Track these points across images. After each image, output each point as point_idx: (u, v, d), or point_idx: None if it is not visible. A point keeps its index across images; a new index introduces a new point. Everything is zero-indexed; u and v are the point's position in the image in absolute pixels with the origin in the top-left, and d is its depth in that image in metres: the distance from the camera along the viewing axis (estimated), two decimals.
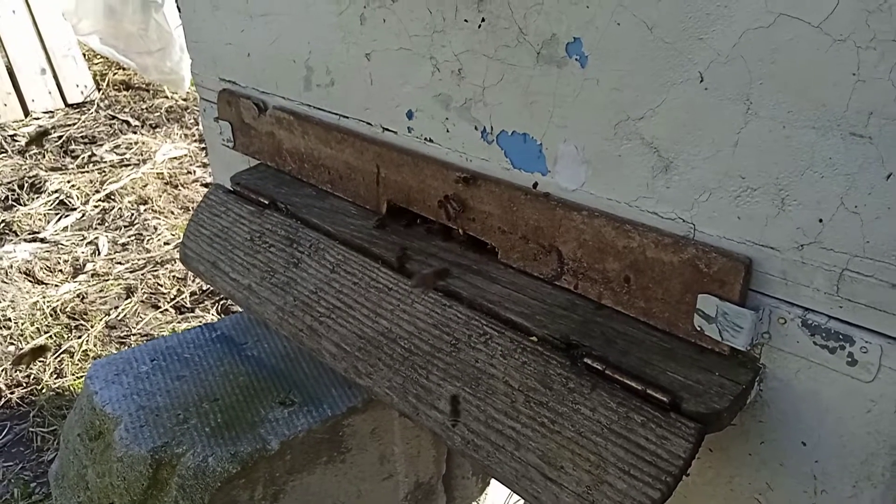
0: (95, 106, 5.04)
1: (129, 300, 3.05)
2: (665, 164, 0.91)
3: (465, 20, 1.08)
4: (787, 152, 0.80)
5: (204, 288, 3.12)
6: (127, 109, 5.04)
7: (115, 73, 5.49)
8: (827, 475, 0.89)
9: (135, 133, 4.64)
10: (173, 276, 3.20)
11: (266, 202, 1.46)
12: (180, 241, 1.54)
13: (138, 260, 3.33)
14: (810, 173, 0.79)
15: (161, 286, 3.14)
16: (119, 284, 3.14)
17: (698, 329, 0.91)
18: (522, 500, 1.97)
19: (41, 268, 3.23)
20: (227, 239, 1.44)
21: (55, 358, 2.73)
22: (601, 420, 0.89)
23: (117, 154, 4.34)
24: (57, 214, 3.70)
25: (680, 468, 0.82)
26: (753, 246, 0.86)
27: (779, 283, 0.85)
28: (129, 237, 3.51)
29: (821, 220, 0.80)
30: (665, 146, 0.91)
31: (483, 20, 1.06)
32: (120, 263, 3.30)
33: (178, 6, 1.71)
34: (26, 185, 3.93)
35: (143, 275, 3.21)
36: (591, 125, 0.98)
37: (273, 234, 1.38)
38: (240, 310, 1.94)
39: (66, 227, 3.59)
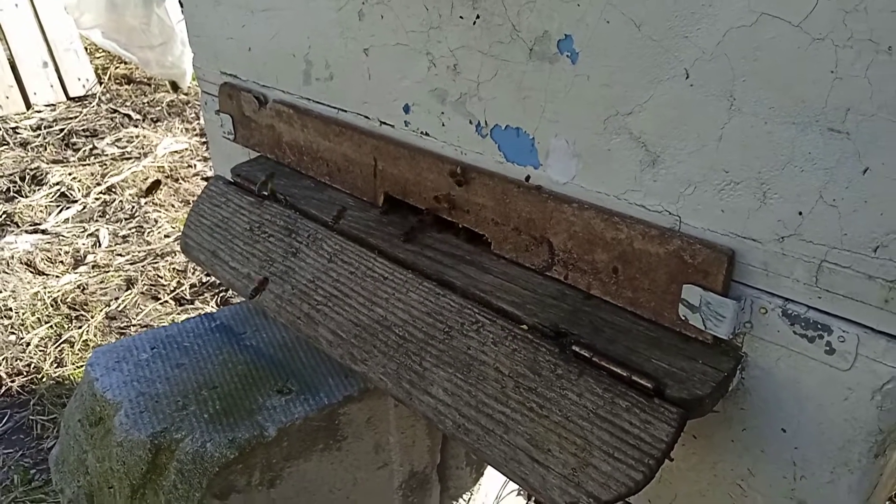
0: (97, 99, 5.06)
1: (129, 291, 3.07)
2: (652, 158, 0.94)
3: (461, 17, 1.10)
4: (768, 147, 0.83)
5: (203, 280, 3.14)
6: (128, 103, 5.06)
7: (116, 67, 5.51)
8: (806, 461, 0.92)
9: (136, 127, 4.66)
10: (173, 269, 3.22)
11: (266, 193, 1.49)
12: (181, 232, 1.57)
13: (139, 252, 3.35)
14: (791, 167, 0.82)
15: (161, 278, 3.16)
16: (119, 276, 3.16)
17: (683, 318, 0.94)
18: (516, 489, 2.00)
19: (42, 259, 3.25)
20: (227, 229, 1.47)
21: (56, 347, 2.75)
22: (587, 405, 0.91)
23: (118, 147, 4.36)
24: (58, 206, 3.72)
25: (662, 451, 0.85)
26: (736, 238, 0.89)
27: (760, 273, 0.88)
28: (129, 229, 3.53)
29: (800, 213, 0.82)
30: (652, 141, 0.93)
31: (478, 17, 1.08)
32: (120, 255, 3.32)
33: (180, 1, 1.73)
34: (28, 176, 3.95)
35: (143, 267, 3.23)
36: (581, 120, 1.01)
37: (272, 225, 1.41)
38: (238, 301, 1.96)
39: (68, 218, 3.61)
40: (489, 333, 1.05)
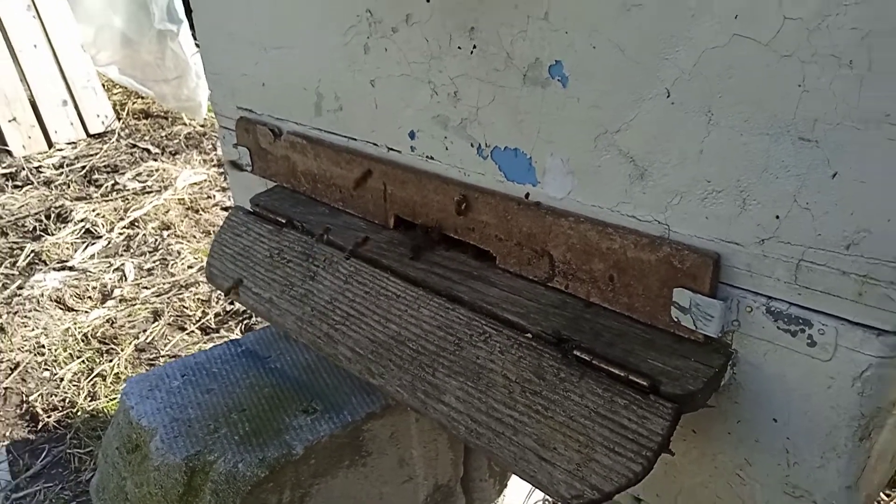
0: (116, 135, 5.14)
1: (156, 323, 3.13)
2: (640, 172, 1.00)
3: (459, 47, 1.16)
4: (745, 157, 0.88)
5: (227, 308, 3.21)
6: (147, 137, 5.13)
7: (134, 103, 5.59)
8: (797, 448, 0.97)
9: (155, 160, 4.73)
10: (198, 299, 3.28)
11: (283, 221, 1.54)
12: (204, 263, 1.62)
13: (164, 284, 3.41)
14: (766, 175, 0.87)
15: (186, 308, 3.23)
16: (146, 308, 3.23)
17: (675, 320, 0.99)
18: (542, 497, 2.03)
19: (71, 295, 3.32)
20: (249, 256, 1.53)
21: (88, 381, 2.82)
22: (589, 405, 0.97)
23: (139, 181, 4.44)
24: (84, 242, 3.79)
25: (659, 444, 0.90)
26: (720, 242, 0.94)
27: (744, 275, 0.93)
28: (153, 262, 3.60)
29: (777, 217, 0.88)
30: (639, 156, 0.99)
31: (475, 47, 1.14)
32: (146, 288, 3.39)
33: (196, 41, 1.80)
34: (53, 215, 4.03)
35: (168, 298, 3.29)
36: (573, 139, 1.06)
37: (291, 251, 1.47)
38: (262, 326, 2.02)
39: (93, 254, 3.68)
40: (496, 343, 1.11)
